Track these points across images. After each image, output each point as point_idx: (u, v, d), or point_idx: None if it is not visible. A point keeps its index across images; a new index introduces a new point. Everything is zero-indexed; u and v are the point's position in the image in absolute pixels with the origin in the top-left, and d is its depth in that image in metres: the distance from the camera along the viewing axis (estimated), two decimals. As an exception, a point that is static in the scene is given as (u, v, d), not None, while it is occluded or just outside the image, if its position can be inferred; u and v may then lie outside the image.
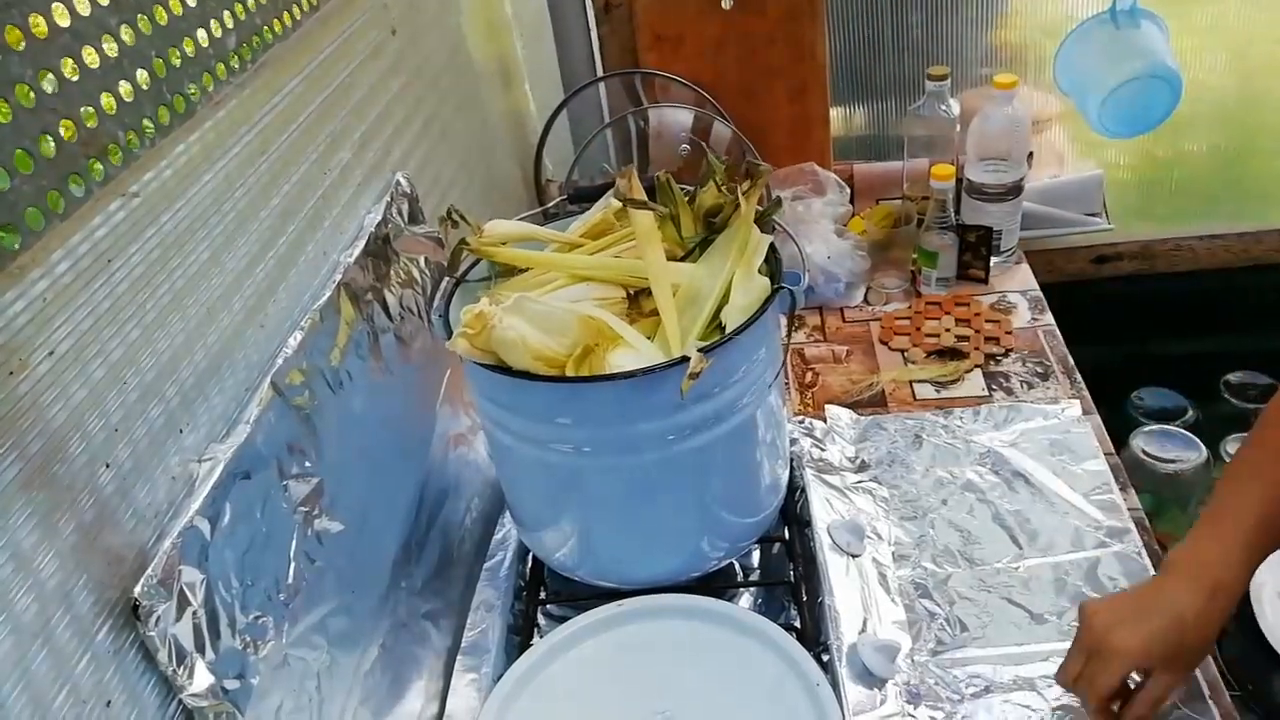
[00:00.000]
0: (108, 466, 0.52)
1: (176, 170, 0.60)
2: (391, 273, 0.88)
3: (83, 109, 0.51)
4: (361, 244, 0.82)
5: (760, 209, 0.79)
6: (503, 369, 0.71)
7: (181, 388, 0.59)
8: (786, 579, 0.90)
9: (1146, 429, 1.35)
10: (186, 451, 0.59)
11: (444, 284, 0.82)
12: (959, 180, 1.31)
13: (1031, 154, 1.32)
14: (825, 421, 1.07)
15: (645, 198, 0.78)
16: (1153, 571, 0.85)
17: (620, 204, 0.84)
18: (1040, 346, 1.19)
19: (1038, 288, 1.32)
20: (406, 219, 0.93)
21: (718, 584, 0.89)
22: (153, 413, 0.56)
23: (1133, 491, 0.96)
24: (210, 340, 0.62)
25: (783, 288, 0.75)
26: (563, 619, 0.83)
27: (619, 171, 0.78)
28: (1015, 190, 1.30)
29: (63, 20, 0.50)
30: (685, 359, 0.68)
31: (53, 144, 0.48)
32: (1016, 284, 1.32)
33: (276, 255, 0.71)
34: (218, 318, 0.63)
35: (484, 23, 1.32)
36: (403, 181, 0.94)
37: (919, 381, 1.16)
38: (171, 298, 0.59)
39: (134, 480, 0.54)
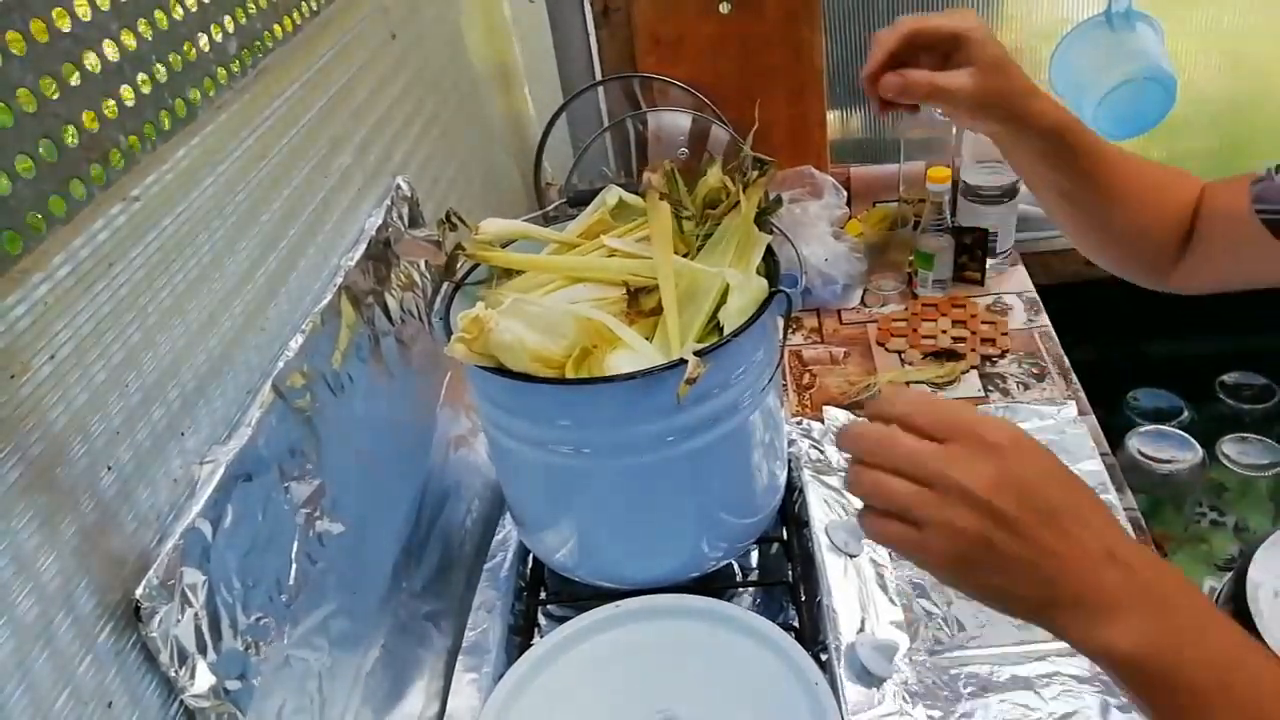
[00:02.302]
0: (109, 469, 0.52)
1: (178, 174, 0.60)
2: (392, 276, 0.88)
3: (84, 113, 0.51)
4: (362, 248, 0.83)
5: (760, 208, 0.79)
6: (502, 371, 0.71)
7: (183, 390, 0.59)
8: (785, 579, 0.91)
9: (1142, 429, 1.36)
10: (188, 454, 0.59)
11: (444, 288, 0.82)
12: (955, 183, 1.31)
13: (1027, 156, 1.33)
14: (823, 422, 1.08)
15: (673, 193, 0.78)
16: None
17: (617, 201, 0.85)
18: (1036, 348, 1.20)
19: (1033, 289, 1.32)
20: (407, 223, 0.93)
21: (717, 584, 0.89)
22: (154, 415, 0.56)
23: (1129, 491, 0.97)
24: (211, 343, 0.62)
25: (780, 291, 0.75)
26: (563, 619, 0.84)
27: (650, 166, 0.78)
28: (1011, 193, 1.31)
29: (64, 25, 0.50)
30: (683, 362, 0.68)
31: (54, 148, 0.48)
32: (1012, 285, 1.33)
33: (277, 258, 0.72)
34: (219, 321, 0.64)
35: (483, 27, 1.32)
36: (403, 185, 0.94)
37: (916, 383, 1.16)
38: (173, 301, 0.59)
39: (136, 483, 0.54)
